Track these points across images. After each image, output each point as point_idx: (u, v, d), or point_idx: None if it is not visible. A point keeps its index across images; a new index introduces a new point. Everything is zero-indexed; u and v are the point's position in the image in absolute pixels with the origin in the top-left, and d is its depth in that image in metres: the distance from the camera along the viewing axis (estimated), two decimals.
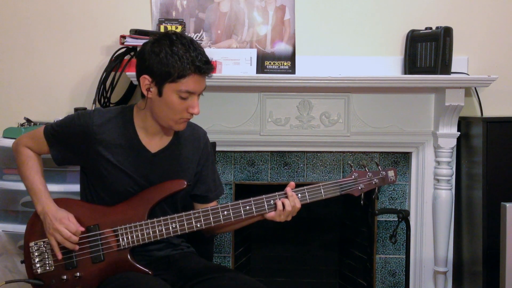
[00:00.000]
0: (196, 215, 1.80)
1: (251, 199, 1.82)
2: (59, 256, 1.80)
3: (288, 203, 1.80)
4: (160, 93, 1.75)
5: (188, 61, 1.71)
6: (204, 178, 1.98)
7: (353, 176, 1.87)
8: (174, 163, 1.90)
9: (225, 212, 1.80)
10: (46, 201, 1.85)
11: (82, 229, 1.81)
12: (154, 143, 1.88)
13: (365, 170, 1.89)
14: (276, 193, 1.83)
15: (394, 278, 2.78)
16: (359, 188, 1.88)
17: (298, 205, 1.82)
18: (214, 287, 1.76)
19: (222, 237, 2.74)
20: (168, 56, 1.71)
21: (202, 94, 1.81)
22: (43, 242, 1.84)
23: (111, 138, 1.83)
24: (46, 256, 1.84)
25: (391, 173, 1.92)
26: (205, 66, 1.74)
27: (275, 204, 1.81)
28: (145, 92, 1.77)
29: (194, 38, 2.69)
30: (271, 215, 1.82)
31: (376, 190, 1.94)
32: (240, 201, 1.82)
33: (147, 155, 1.86)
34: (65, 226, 1.78)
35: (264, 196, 1.82)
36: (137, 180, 1.85)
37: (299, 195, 1.83)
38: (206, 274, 1.81)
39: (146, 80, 1.75)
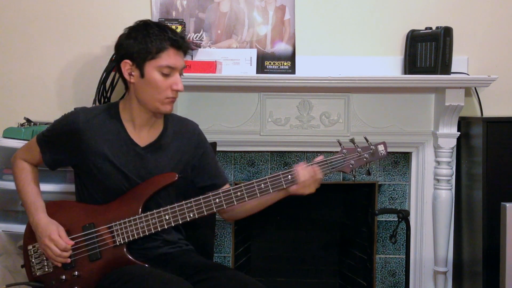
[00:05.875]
0: (189, 205, 1.80)
1: (242, 184, 1.81)
2: (58, 264, 1.82)
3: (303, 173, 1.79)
4: (142, 74, 1.79)
5: (164, 37, 1.78)
6: (205, 168, 1.98)
7: (342, 153, 1.84)
8: (163, 156, 1.90)
9: (217, 200, 1.80)
10: (36, 212, 1.86)
11: (72, 243, 1.81)
12: (142, 136, 1.89)
13: (355, 146, 1.84)
14: (280, 173, 1.80)
15: (394, 278, 2.78)
16: (350, 165, 1.84)
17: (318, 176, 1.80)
18: (213, 287, 1.76)
19: (222, 237, 2.74)
20: (145, 36, 1.78)
21: (183, 74, 1.85)
22: None
23: (98, 134, 1.85)
24: (44, 258, 1.85)
25: (381, 147, 1.86)
26: (181, 40, 1.81)
27: (267, 187, 1.80)
28: (127, 77, 1.81)
29: (194, 38, 2.71)
30: (294, 188, 1.80)
31: (367, 165, 1.87)
32: (231, 188, 1.82)
33: (136, 148, 1.87)
34: (55, 243, 1.79)
35: (254, 180, 1.81)
36: (127, 174, 1.85)
37: (289, 176, 1.80)
38: (206, 273, 1.82)
39: (127, 64, 1.80)
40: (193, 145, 1.98)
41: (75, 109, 1.93)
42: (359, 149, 1.84)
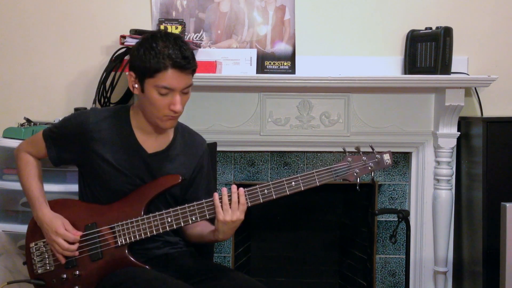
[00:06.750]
0: (191, 208, 1.80)
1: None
2: (63, 261, 1.82)
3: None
4: (142, 89, 1.77)
5: (164, 56, 1.71)
6: (196, 185, 1.98)
7: (347, 161, 1.82)
8: (169, 166, 1.90)
9: None
10: (40, 207, 1.86)
11: (80, 233, 1.82)
12: (150, 143, 1.88)
13: (360, 154, 1.83)
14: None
15: (394, 278, 2.77)
16: (354, 173, 1.82)
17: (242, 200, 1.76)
18: (213, 287, 1.76)
19: None
20: (146, 52, 1.73)
21: (187, 92, 1.78)
22: (43, 242, 1.86)
23: (107, 136, 1.85)
24: (46, 256, 1.85)
25: (386, 156, 1.84)
26: (183, 61, 1.72)
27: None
28: (131, 88, 1.81)
29: (194, 38, 2.71)
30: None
31: (372, 174, 1.85)
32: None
33: (143, 154, 1.87)
34: (62, 236, 1.79)
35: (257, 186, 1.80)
36: (132, 178, 1.85)
37: (293, 183, 1.78)
38: (206, 274, 1.82)
39: (131, 77, 1.79)
40: (197, 159, 1.97)
41: (85, 110, 1.93)
42: (364, 158, 1.83)
